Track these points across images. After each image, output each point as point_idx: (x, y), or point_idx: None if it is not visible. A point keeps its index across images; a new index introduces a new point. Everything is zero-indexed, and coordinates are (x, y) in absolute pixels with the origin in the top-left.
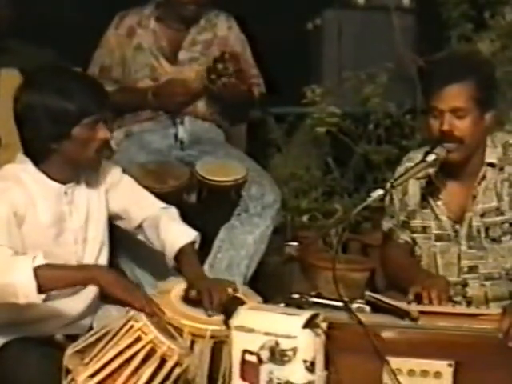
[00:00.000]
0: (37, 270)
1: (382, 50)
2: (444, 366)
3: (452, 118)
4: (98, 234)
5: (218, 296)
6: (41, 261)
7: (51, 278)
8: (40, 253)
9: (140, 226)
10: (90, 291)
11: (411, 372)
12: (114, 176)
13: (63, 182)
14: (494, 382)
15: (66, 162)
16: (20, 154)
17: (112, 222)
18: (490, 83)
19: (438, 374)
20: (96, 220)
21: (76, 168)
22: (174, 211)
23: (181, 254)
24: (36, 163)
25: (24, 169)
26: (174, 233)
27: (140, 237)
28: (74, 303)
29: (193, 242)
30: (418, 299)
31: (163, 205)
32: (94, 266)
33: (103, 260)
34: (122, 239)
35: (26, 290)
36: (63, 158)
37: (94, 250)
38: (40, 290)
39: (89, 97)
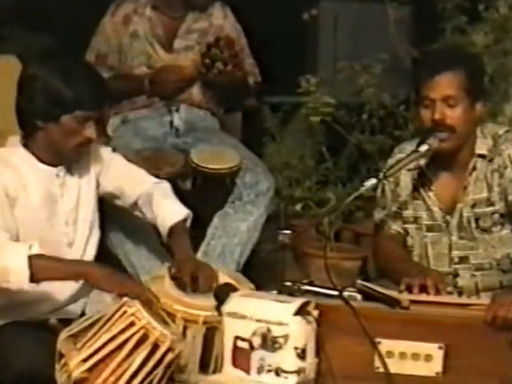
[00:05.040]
0: (31, 259)
1: (377, 41)
2: (435, 349)
3: (443, 106)
4: (88, 215)
5: (203, 280)
6: (36, 250)
7: (44, 269)
8: (36, 241)
9: (135, 204)
10: None
11: (402, 355)
12: (105, 157)
13: (53, 165)
14: (485, 365)
15: (48, 145)
16: (11, 137)
17: (111, 201)
18: (480, 73)
19: (428, 357)
20: (86, 202)
21: (57, 155)
22: (166, 186)
23: (171, 233)
24: (26, 141)
25: (14, 152)
26: (165, 211)
27: (137, 213)
28: (67, 285)
29: (185, 220)
30: (410, 290)
31: (155, 180)
32: (86, 262)
33: (94, 241)
34: (116, 222)
35: (18, 276)
36: (46, 140)
37: (85, 232)
38: (32, 279)
39: (89, 93)
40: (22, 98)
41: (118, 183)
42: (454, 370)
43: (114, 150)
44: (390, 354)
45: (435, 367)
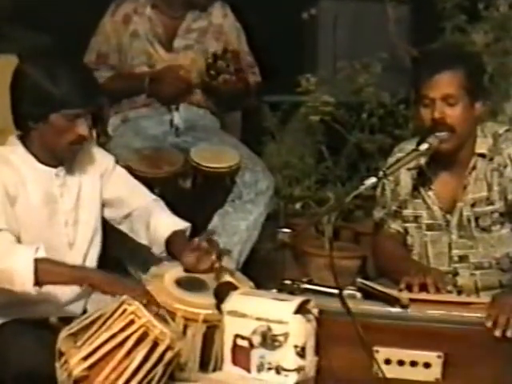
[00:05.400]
0: (37, 262)
1: (377, 40)
2: (433, 358)
3: (443, 105)
4: (91, 218)
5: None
6: (42, 254)
7: (48, 273)
8: (41, 244)
9: (128, 215)
10: None
11: (401, 362)
12: (109, 164)
13: (53, 166)
14: (483, 374)
15: (43, 145)
16: (11, 137)
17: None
18: (479, 73)
19: (427, 365)
20: (88, 204)
21: (52, 154)
22: (163, 204)
23: (173, 236)
24: (23, 141)
25: (13, 151)
26: (167, 220)
27: (123, 227)
28: (70, 287)
29: (184, 231)
30: (410, 288)
31: (155, 197)
32: (88, 268)
33: (96, 245)
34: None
35: (23, 279)
36: (40, 140)
37: (87, 234)
38: (36, 282)
39: (77, 90)
40: (13, 98)
41: (119, 192)
42: (453, 379)
43: (116, 162)
44: (388, 361)
45: (434, 375)
